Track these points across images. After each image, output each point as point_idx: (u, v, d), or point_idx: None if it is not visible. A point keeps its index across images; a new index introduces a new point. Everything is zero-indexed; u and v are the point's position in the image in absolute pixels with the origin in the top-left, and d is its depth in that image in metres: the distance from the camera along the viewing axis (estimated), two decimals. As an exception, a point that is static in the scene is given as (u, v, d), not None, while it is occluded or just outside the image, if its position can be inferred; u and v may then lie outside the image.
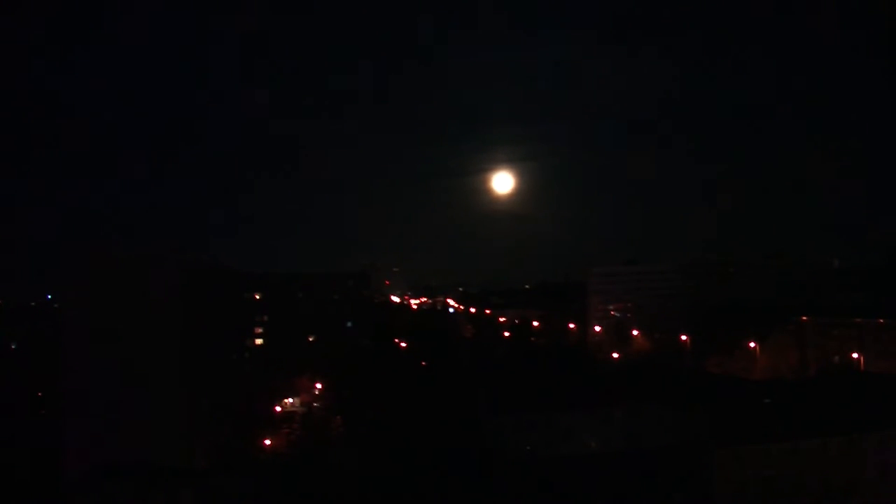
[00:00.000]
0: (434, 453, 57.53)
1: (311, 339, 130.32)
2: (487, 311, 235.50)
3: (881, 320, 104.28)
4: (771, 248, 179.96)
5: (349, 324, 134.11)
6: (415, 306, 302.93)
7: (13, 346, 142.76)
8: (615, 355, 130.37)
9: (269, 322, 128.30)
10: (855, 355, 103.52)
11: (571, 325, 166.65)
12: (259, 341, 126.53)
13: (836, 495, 50.10)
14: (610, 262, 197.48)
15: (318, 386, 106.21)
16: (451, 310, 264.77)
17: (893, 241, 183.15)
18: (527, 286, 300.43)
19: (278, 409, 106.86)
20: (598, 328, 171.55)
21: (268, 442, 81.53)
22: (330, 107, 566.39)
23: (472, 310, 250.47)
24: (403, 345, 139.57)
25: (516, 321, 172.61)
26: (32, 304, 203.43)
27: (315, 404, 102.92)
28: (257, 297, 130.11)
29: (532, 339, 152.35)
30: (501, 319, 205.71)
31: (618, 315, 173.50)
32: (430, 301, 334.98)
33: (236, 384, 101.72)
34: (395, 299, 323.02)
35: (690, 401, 60.68)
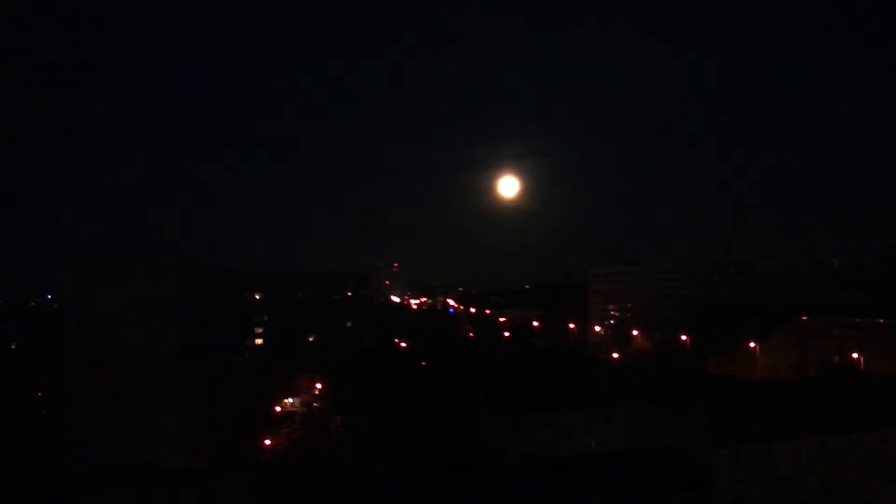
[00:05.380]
0: (434, 453, 57.58)
1: (311, 339, 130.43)
2: (487, 311, 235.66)
3: (881, 320, 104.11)
4: (771, 249, 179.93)
5: (349, 324, 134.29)
6: (415, 306, 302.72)
7: (13, 346, 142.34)
8: (615, 355, 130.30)
9: (269, 322, 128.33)
10: (855, 355, 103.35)
11: (571, 325, 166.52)
12: (259, 341, 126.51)
13: (836, 495, 50.11)
14: (610, 262, 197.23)
15: (318, 386, 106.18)
16: (451, 310, 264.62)
17: (893, 241, 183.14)
18: (527, 286, 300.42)
19: (278, 409, 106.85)
20: (598, 328, 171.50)
21: (268, 442, 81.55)
22: (330, 107, 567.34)
23: (472, 310, 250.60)
24: (403, 345, 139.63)
25: (516, 321, 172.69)
26: (32, 304, 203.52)
27: (315, 404, 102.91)
28: (257, 297, 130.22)
29: (532, 339, 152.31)
30: (501, 319, 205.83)
31: (617, 315, 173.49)
32: (430, 301, 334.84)
33: (236, 384, 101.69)
34: (395, 299, 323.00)
35: (690, 401, 60.54)
